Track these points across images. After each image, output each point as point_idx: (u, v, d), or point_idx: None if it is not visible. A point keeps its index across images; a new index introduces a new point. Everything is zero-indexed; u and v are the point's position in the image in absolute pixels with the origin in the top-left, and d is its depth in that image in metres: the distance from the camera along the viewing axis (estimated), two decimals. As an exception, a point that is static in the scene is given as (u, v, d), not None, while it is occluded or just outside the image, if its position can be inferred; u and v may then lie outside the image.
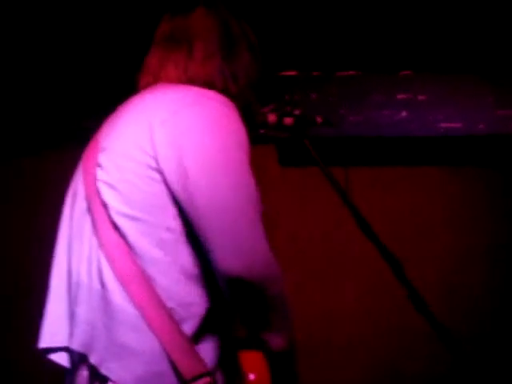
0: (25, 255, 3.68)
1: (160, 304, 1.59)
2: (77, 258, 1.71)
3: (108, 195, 1.65)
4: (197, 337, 1.61)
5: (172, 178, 1.61)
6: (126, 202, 1.63)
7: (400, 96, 3.81)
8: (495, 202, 3.82)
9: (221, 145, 1.61)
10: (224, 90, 1.78)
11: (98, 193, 1.67)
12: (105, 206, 1.65)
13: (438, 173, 3.86)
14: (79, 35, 3.59)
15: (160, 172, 1.62)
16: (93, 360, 1.61)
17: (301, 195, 3.82)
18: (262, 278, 1.56)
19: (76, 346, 1.65)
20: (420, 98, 3.81)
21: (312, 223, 3.85)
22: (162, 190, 1.62)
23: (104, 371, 1.59)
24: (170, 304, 1.60)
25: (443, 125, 3.78)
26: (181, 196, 1.60)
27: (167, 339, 1.57)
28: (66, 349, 1.73)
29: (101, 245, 1.64)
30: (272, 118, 1.93)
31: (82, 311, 1.65)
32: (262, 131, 1.99)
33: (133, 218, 1.62)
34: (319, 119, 1.96)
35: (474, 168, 3.84)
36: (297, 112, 1.97)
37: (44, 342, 1.76)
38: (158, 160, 1.62)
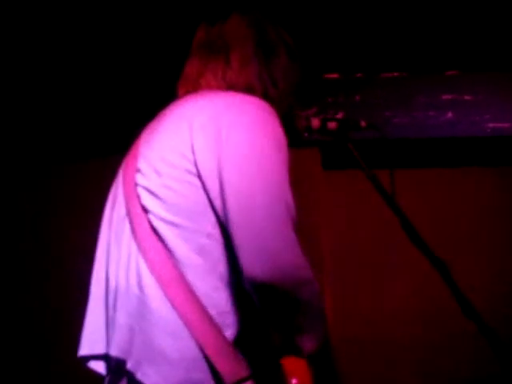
0: (69, 261, 3.72)
1: (202, 309, 1.58)
2: (115, 263, 1.71)
3: (148, 200, 1.66)
4: (237, 343, 1.60)
5: (210, 183, 1.61)
6: (166, 207, 1.63)
7: (445, 96, 3.77)
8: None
9: (259, 151, 1.61)
10: (264, 95, 1.79)
11: (137, 198, 1.67)
12: (145, 211, 1.66)
13: (485, 174, 3.81)
14: (128, 45, 3.63)
15: (199, 177, 1.62)
16: (129, 365, 1.60)
17: (346, 198, 3.80)
18: (286, 284, 1.54)
19: (114, 351, 1.64)
20: (466, 97, 3.76)
21: (357, 225, 3.83)
22: (201, 195, 1.62)
23: (140, 377, 1.58)
24: (210, 311, 1.59)
25: (490, 125, 3.73)
26: (217, 201, 1.60)
27: (210, 344, 1.56)
28: (104, 357, 1.72)
29: (140, 250, 1.64)
30: (316, 122, 1.92)
31: (120, 316, 1.64)
32: (305, 135, 1.98)
33: (173, 224, 1.62)
34: (363, 123, 1.94)
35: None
36: (340, 115, 1.97)
37: (83, 349, 1.76)
38: (197, 165, 1.62)
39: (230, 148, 1.60)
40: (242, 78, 1.79)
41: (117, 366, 1.67)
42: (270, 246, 1.53)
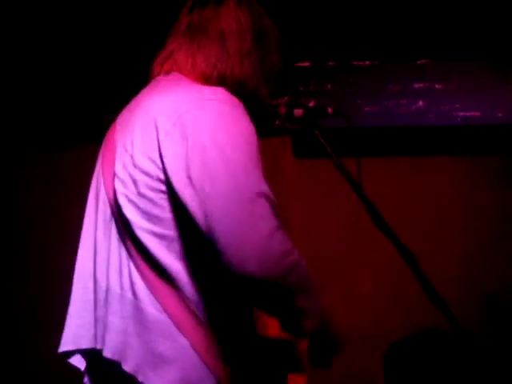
0: (46, 251, 3.69)
1: (192, 313, 1.62)
2: (104, 264, 1.71)
3: (128, 210, 1.65)
4: (227, 340, 1.64)
5: (181, 190, 1.58)
6: (145, 217, 1.62)
7: (417, 85, 3.77)
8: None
9: (227, 151, 1.57)
10: (254, 91, 1.78)
11: (119, 205, 1.67)
12: (127, 220, 1.65)
13: (455, 163, 3.83)
14: (101, 31, 3.60)
15: (170, 184, 1.60)
16: (127, 368, 1.62)
17: (316, 186, 3.80)
18: (280, 272, 1.54)
19: (108, 353, 1.65)
20: (437, 86, 3.76)
21: (329, 214, 3.83)
22: (175, 203, 1.61)
23: (141, 378, 1.61)
24: (199, 313, 1.62)
25: (461, 114, 3.74)
26: (191, 208, 1.57)
27: (201, 346, 1.60)
28: (86, 352, 1.75)
29: (130, 255, 1.65)
30: (282, 109, 1.91)
31: (114, 320, 1.65)
32: (277, 123, 1.97)
33: (153, 233, 1.63)
34: (330, 110, 1.93)
35: (492, 157, 3.80)
36: (311, 104, 1.95)
37: (67, 345, 1.76)
38: (166, 172, 1.60)
39: (197, 153, 1.58)
40: (238, 70, 1.77)
41: (97, 361, 1.68)
42: (256, 242, 1.51)
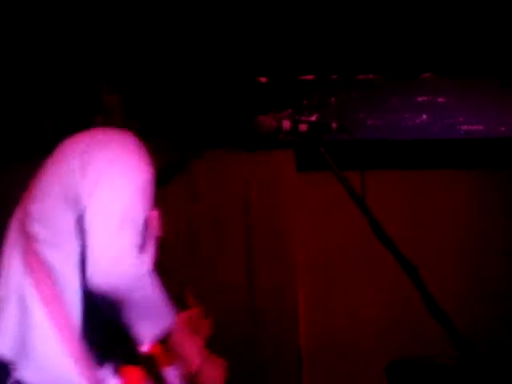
0: None
1: (72, 325, 1.78)
2: (4, 279, 1.87)
3: (32, 226, 1.83)
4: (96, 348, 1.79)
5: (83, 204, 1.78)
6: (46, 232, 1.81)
7: (420, 99, 3.79)
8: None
9: (115, 178, 1.78)
10: None
11: (23, 224, 1.85)
12: (30, 235, 1.83)
13: (457, 176, 3.83)
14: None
15: (76, 202, 1.79)
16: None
17: (319, 200, 3.80)
18: (122, 285, 1.69)
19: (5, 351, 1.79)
20: (440, 100, 3.78)
21: (332, 227, 3.83)
22: (74, 219, 1.79)
23: (17, 375, 1.75)
24: (75, 321, 1.78)
25: (464, 127, 3.76)
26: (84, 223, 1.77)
27: (73, 352, 1.77)
28: None
29: (27, 271, 1.81)
30: (286, 124, 1.91)
31: (7, 323, 1.82)
32: (280, 136, 1.97)
33: (51, 245, 1.81)
34: (334, 125, 1.93)
35: (494, 171, 3.80)
36: (313, 118, 1.96)
37: None
38: (78, 193, 1.78)
39: (91, 177, 1.78)
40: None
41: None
42: (106, 258, 1.71)
